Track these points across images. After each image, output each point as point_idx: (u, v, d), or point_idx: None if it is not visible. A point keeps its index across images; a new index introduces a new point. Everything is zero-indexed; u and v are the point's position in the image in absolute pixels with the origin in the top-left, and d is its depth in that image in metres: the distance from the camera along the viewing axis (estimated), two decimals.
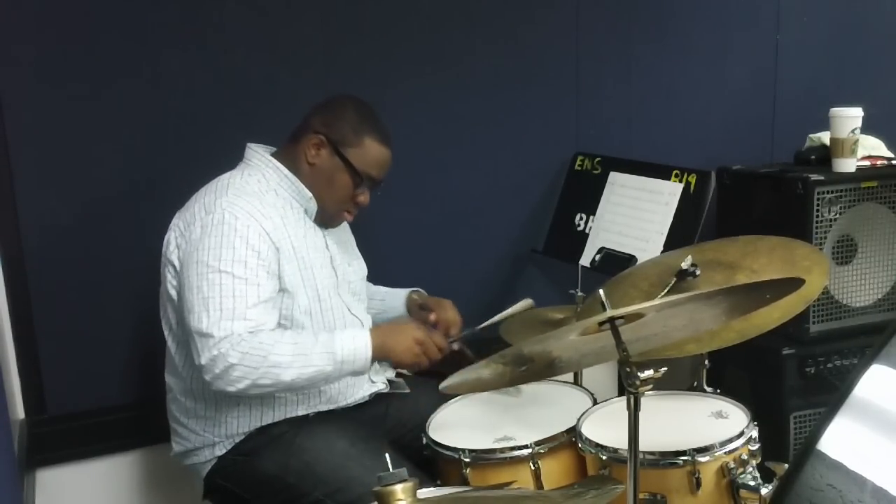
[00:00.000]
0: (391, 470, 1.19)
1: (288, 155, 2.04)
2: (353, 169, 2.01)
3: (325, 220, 2.09)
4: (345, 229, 2.23)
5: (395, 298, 2.33)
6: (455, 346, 2.09)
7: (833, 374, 2.55)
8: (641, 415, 1.46)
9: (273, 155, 2.04)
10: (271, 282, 1.91)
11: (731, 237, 2.06)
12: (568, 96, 2.78)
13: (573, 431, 1.87)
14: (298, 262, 1.98)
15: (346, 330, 1.96)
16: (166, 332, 2.02)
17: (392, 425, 2.14)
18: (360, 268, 2.24)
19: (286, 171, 2.01)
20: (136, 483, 2.44)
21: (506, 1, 2.64)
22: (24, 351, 2.24)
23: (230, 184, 1.97)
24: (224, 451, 2.01)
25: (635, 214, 2.50)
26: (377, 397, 2.14)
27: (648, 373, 1.42)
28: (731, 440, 1.75)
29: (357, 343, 1.89)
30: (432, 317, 2.17)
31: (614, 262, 2.44)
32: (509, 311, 2.26)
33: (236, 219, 1.88)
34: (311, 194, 2.03)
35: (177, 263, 1.93)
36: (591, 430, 1.85)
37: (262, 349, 1.82)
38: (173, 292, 1.95)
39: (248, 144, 2.05)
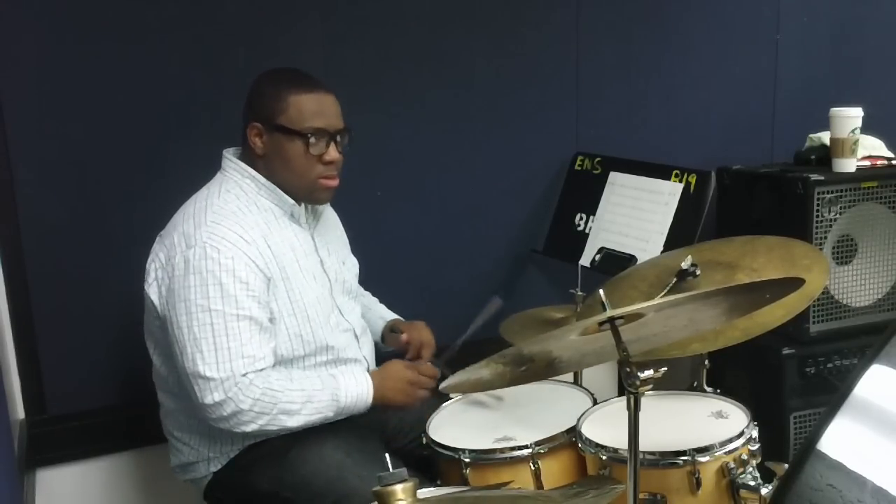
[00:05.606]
0: (391, 470, 1.19)
1: (248, 157, 1.97)
2: (294, 132, 1.90)
3: (309, 201, 2.01)
4: (336, 226, 2.20)
5: (372, 322, 2.28)
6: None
7: (833, 374, 2.55)
8: (641, 415, 1.45)
9: (241, 158, 1.97)
10: (263, 312, 1.86)
11: (728, 238, 2.06)
12: (568, 96, 2.78)
13: (573, 431, 1.87)
14: (285, 283, 1.92)
15: (347, 374, 1.95)
16: (151, 349, 1.99)
17: (392, 427, 2.13)
18: (353, 265, 2.21)
19: (263, 179, 1.94)
20: (136, 483, 2.44)
21: (506, 1, 2.64)
22: (24, 351, 2.24)
23: (208, 206, 1.89)
24: (219, 466, 1.99)
25: (635, 214, 2.50)
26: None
27: (648, 373, 1.42)
28: (731, 440, 1.75)
29: (360, 389, 1.93)
30: (404, 337, 2.17)
31: (614, 262, 2.44)
32: (480, 316, 2.26)
33: (219, 252, 1.81)
34: (293, 200, 1.96)
35: (156, 299, 1.88)
36: (591, 430, 1.85)
37: (273, 396, 1.82)
38: (157, 322, 1.91)
39: (223, 152, 2.00)
